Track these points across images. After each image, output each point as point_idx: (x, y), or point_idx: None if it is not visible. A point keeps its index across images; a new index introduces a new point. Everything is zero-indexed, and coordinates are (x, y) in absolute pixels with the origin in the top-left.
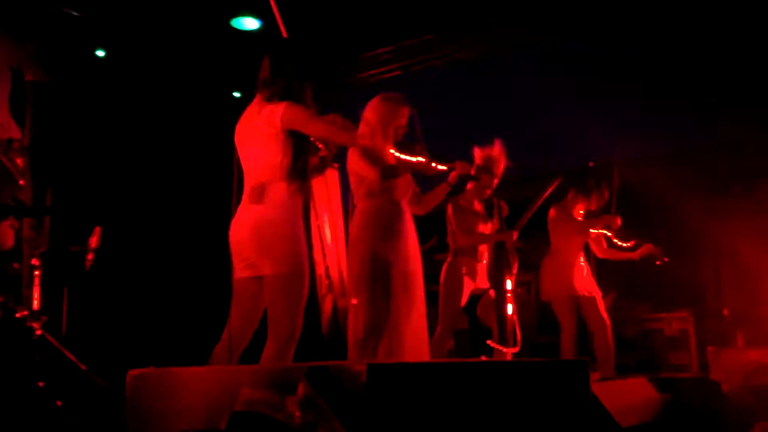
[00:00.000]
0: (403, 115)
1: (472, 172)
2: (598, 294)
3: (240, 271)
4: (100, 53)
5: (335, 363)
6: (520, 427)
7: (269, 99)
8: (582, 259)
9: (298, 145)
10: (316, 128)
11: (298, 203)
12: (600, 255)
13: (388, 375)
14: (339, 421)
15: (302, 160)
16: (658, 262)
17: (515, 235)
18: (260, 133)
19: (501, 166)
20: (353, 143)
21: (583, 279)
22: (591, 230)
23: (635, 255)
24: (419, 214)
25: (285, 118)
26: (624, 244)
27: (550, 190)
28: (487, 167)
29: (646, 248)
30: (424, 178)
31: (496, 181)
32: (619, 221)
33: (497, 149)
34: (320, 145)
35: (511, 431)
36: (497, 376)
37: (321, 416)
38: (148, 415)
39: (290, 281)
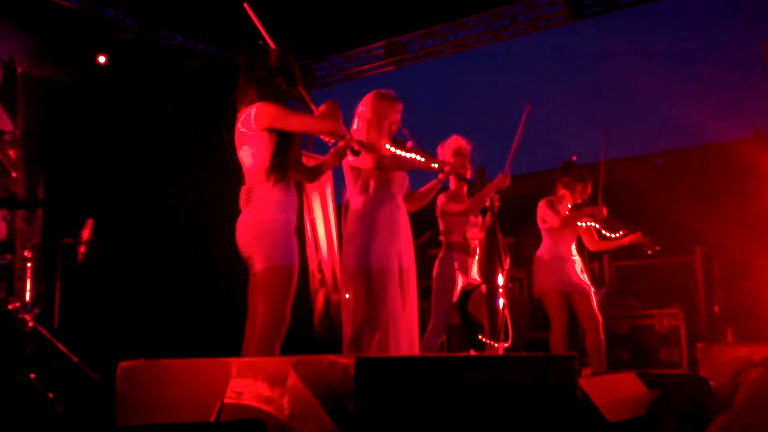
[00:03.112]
0: (398, 110)
1: (468, 174)
2: (591, 289)
3: (250, 269)
4: (102, 59)
5: (324, 356)
6: (508, 420)
7: (248, 104)
8: (575, 253)
9: (280, 142)
10: (292, 123)
11: (289, 199)
12: (592, 248)
13: (377, 368)
14: (327, 414)
15: (283, 155)
16: (649, 251)
17: (496, 194)
18: (243, 139)
19: (468, 152)
20: (334, 129)
21: (576, 274)
22: (578, 222)
23: (625, 242)
24: (410, 211)
25: (259, 118)
26: (613, 235)
27: (523, 123)
28: (463, 157)
29: (636, 236)
30: (413, 175)
31: (469, 168)
32: (605, 212)
33: (457, 140)
34: (326, 139)
35: (499, 425)
36: (485, 371)
37: (309, 409)
38: (138, 407)
39: (275, 275)
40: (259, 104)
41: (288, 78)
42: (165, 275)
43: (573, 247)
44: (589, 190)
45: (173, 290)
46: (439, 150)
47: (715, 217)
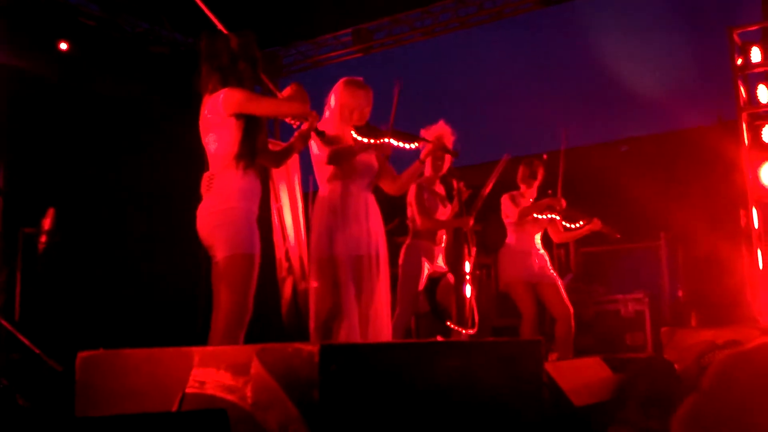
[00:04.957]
0: (361, 97)
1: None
2: (557, 280)
3: (212, 258)
4: (63, 46)
5: (288, 344)
6: (476, 406)
7: (211, 92)
8: (540, 247)
9: (248, 127)
10: (261, 106)
11: (252, 188)
12: (557, 239)
13: (342, 356)
14: (292, 403)
15: (251, 141)
16: (611, 239)
17: (471, 221)
18: (209, 125)
19: (450, 142)
20: (304, 110)
21: (541, 266)
22: (536, 215)
23: (586, 231)
24: (396, 195)
25: (227, 103)
26: (574, 226)
27: (498, 171)
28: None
29: (596, 223)
30: (397, 158)
31: (448, 158)
32: (563, 203)
33: (443, 126)
34: (290, 121)
35: (466, 411)
36: (452, 357)
37: (273, 397)
38: (98, 397)
39: (237, 263)
40: (226, 90)
41: (251, 63)
42: (127, 265)
43: (538, 240)
44: (539, 174)
45: (135, 280)
46: (422, 134)
47: (679, 203)
